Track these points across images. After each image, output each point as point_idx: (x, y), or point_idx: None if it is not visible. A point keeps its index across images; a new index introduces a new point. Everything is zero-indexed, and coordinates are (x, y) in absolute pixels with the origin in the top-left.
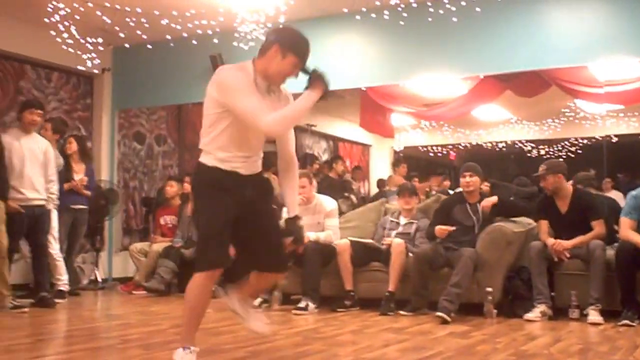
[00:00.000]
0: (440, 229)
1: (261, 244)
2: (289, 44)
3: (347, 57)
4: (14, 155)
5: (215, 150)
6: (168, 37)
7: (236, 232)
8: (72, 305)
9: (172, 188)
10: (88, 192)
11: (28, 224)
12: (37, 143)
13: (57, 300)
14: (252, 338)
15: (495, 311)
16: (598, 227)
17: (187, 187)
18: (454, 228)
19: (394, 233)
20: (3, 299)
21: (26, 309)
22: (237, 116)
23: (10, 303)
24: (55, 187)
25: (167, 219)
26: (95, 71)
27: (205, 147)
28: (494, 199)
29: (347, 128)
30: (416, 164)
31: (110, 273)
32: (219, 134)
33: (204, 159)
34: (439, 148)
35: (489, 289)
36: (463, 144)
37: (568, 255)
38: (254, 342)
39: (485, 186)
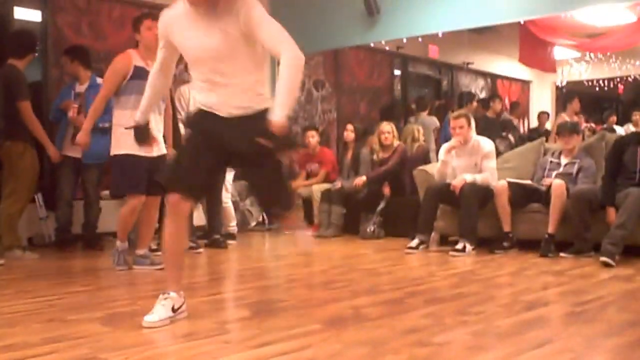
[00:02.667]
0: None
1: None
2: None
3: None
4: (185, 103)
5: None
6: None
7: None
8: (242, 246)
9: (313, 138)
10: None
11: None
12: None
13: (228, 242)
14: (411, 279)
15: None
16: None
17: (349, 134)
18: None
19: (554, 174)
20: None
21: (201, 250)
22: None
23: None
24: None
25: (311, 167)
26: None
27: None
28: None
29: (505, 64)
30: (581, 99)
31: None
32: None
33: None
34: (606, 82)
35: None
36: (633, 76)
37: None
38: (412, 283)
39: None
